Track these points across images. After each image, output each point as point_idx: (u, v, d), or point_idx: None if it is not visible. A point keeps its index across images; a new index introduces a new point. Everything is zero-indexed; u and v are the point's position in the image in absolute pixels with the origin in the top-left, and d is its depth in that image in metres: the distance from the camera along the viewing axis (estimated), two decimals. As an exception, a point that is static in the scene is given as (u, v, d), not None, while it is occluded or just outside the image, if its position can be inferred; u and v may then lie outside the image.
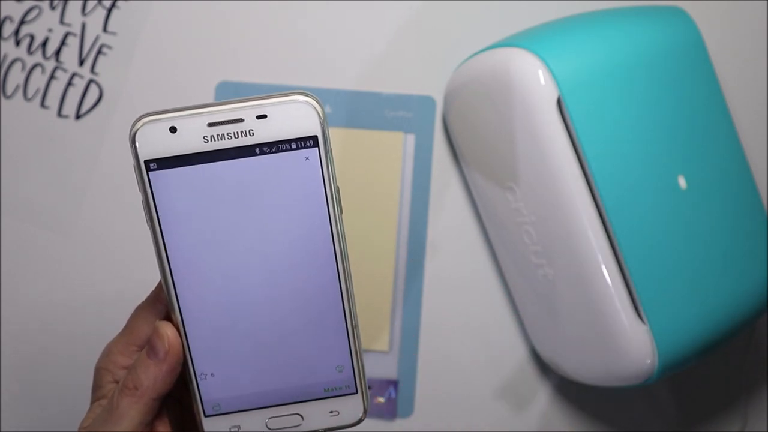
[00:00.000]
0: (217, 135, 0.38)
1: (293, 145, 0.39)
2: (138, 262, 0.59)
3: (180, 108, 0.38)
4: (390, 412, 0.61)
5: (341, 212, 0.40)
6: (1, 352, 0.60)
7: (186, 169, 0.38)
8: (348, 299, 0.41)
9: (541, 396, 0.62)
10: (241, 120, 0.38)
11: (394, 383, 0.61)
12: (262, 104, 0.38)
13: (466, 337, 0.61)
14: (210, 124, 0.38)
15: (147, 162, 0.38)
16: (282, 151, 0.39)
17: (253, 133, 0.38)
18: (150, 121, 0.38)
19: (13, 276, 0.60)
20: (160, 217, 0.39)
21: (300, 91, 0.39)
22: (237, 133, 0.38)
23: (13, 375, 0.60)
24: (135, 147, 0.38)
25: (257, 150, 0.38)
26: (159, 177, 0.38)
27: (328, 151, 0.39)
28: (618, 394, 0.62)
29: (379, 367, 0.60)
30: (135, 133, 0.38)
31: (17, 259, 0.60)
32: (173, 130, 0.38)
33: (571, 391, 0.62)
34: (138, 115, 0.38)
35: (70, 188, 0.60)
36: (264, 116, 0.38)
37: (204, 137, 0.38)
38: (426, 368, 0.61)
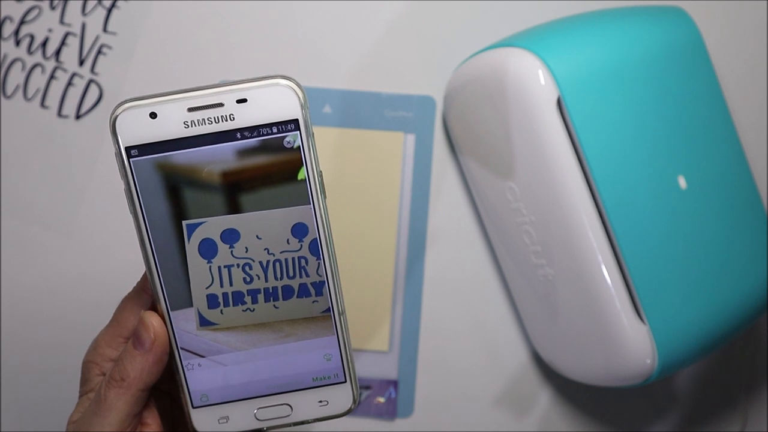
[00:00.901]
0: (198, 120, 0.38)
1: (274, 129, 0.38)
2: (138, 262, 0.59)
3: (160, 93, 0.38)
4: (390, 412, 0.61)
5: (325, 197, 0.40)
6: (0, 350, 0.60)
7: (167, 156, 0.38)
8: (334, 286, 0.40)
9: (541, 396, 0.62)
10: (221, 104, 0.38)
11: (394, 383, 0.61)
12: (241, 88, 0.38)
13: (466, 337, 0.61)
14: (190, 109, 0.38)
15: (128, 149, 0.38)
16: (263, 135, 0.38)
17: (233, 118, 0.38)
18: (130, 108, 0.38)
19: (13, 276, 0.60)
20: (142, 205, 0.39)
21: (280, 75, 0.38)
22: (217, 117, 0.38)
23: (13, 373, 0.60)
24: (116, 134, 0.38)
25: (238, 135, 0.38)
26: (140, 164, 0.38)
27: (309, 135, 0.39)
28: (618, 394, 0.62)
29: (379, 367, 0.60)
30: (115, 119, 0.38)
31: (17, 258, 0.60)
32: (153, 115, 0.38)
33: (571, 391, 0.62)
34: (119, 102, 0.38)
35: (70, 188, 0.60)
36: (244, 100, 0.38)
37: (184, 123, 0.38)
38: (426, 368, 0.61)
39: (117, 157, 0.38)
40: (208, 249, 0.40)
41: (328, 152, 0.60)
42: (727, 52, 0.61)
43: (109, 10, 0.60)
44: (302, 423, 0.41)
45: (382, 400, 0.61)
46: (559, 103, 0.51)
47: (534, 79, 0.51)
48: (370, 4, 0.60)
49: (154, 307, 0.41)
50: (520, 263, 0.57)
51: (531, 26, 0.57)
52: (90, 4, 0.60)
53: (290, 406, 0.41)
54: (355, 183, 0.60)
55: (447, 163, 0.61)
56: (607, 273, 0.52)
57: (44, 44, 0.60)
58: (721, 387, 0.64)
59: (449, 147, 0.61)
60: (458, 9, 0.60)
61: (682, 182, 0.54)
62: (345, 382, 0.41)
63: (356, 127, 0.60)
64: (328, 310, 0.41)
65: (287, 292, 0.41)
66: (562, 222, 0.52)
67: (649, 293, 0.52)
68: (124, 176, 0.38)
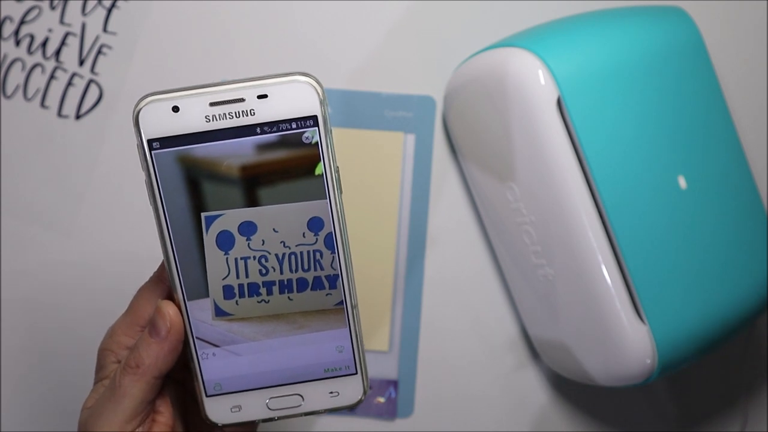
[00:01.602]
0: (219, 115, 0.39)
1: (294, 125, 0.39)
2: (138, 262, 0.59)
3: (182, 88, 0.39)
4: (390, 412, 0.61)
5: (341, 192, 0.40)
6: (1, 350, 0.60)
7: (188, 149, 0.39)
8: (348, 280, 0.41)
9: (541, 396, 0.62)
10: (242, 99, 0.39)
11: (394, 383, 0.61)
12: (263, 84, 0.39)
13: (466, 337, 0.61)
14: (212, 104, 0.38)
15: (150, 141, 0.39)
16: (282, 131, 0.39)
17: (254, 113, 0.39)
18: (153, 101, 0.38)
19: (13, 275, 0.60)
20: (162, 197, 0.39)
21: (301, 71, 0.39)
22: (238, 112, 0.39)
23: (14, 372, 0.60)
24: (138, 126, 0.38)
25: (258, 129, 0.39)
26: (162, 156, 0.39)
27: (327, 131, 0.39)
28: (618, 394, 0.62)
29: (379, 367, 0.60)
30: (138, 112, 0.38)
31: (17, 258, 0.60)
32: (176, 109, 0.38)
33: (570, 391, 0.62)
34: (142, 95, 0.39)
35: (70, 188, 0.60)
36: (265, 96, 0.39)
37: (206, 117, 0.38)
38: (426, 368, 0.61)
39: (139, 149, 0.39)
40: (225, 241, 0.40)
41: (328, 152, 0.60)
42: (727, 52, 0.61)
43: (109, 10, 0.60)
44: (313, 413, 0.42)
45: (382, 400, 0.61)
46: (559, 103, 0.51)
47: (534, 79, 0.51)
48: (371, 4, 0.60)
49: (170, 297, 0.41)
50: (520, 263, 0.57)
51: (531, 26, 0.57)
52: (90, 4, 0.60)
53: (301, 396, 0.42)
54: (355, 183, 0.60)
55: (447, 163, 0.61)
56: (607, 273, 0.52)
57: (44, 44, 0.60)
58: (721, 387, 0.64)
59: (449, 147, 0.61)
60: (458, 9, 0.61)
61: (682, 182, 0.54)
62: (356, 373, 0.42)
63: (356, 127, 0.60)
64: (341, 303, 0.41)
65: (302, 284, 0.41)
66: (562, 222, 0.52)
67: (649, 293, 0.52)
68: (146, 168, 0.39)
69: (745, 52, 0.63)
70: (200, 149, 0.39)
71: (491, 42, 0.56)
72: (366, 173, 0.60)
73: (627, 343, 0.52)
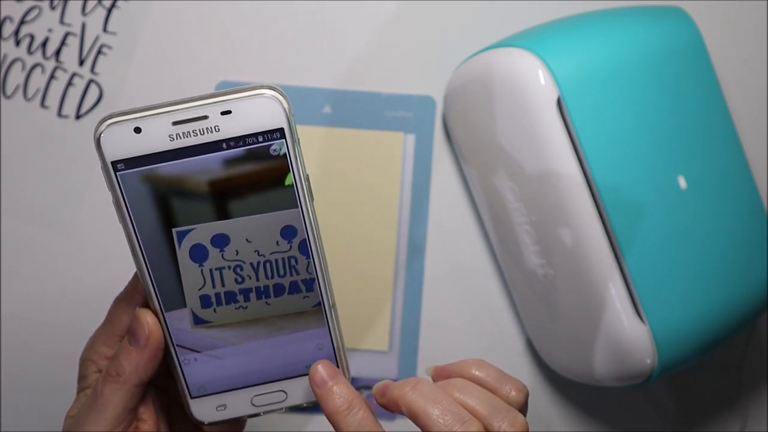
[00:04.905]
0: (183, 133, 0.38)
1: (260, 139, 0.39)
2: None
3: (144, 107, 0.38)
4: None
5: (312, 199, 0.40)
6: (1, 350, 0.60)
7: (154, 167, 0.39)
8: (324, 282, 0.41)
9: (541, 396, 0.62)
10: (205, 117, 0.38)
11: (394, 383, 0.61)
12: (225, 100, 0.38)
13: (466, 337, 0.61)
14: (175, 123, 0.38)
15: (114, 163, 0.38)
16: (249, 145, 0.39)
17: (218, 129, 0.38)
18: (113, 123, 0.38)
19: (13, 276, 0.60)
20: (131, 215, 0.39)
21: (265, 84, 0.39)
22: (202, 129, 0.38)
23: (13, 373, 0.60)
24: (100, 149, 0.38)
25: (224, 145, 0.38)
26: (128, 177, 0.39)
27: (295, 141, 0.39)
28: (618, 394, 0.62)
29: (379, 367, 0.60)
30: (99, 136, 0.38)
31: (17, 258, 0.60)
32: (138, 130, 0.38)
33: (571, 391, 0.62)
34: (102, 117, 0.38)
35: (70, 188, 0.60)
36: (228, 112, 0.38)
37: (170, 135, 0.38)
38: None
39: (103, 171, 0.39)
40: (198, 254, 0.40)
41: (327, 152, 0.60)
42: (727, 52, 0.61)
43: (109, 10, 0.60)
44: (297, 407, 0.43)
45: (382, 400, 0.61)
46: (559, 103, 0.51)
47: (534, 79, 0.51)
48: (370, 3, 0.60)
49: (146, 305, 0.41)
50: (520, 263, 0.57)
51: (531, 26, 0.57)
52: (90, 4, 0.60)
53: (285, 392, 0.42)
54: (356, 183, 0.60)
55: (447, 163, 0.61)
56: (607, 273, 0.52)
57: (44, 44, 0.60)
58: (721, 387, 0.64)
59: (449, 147, 0.61)
60: (458, 9, 0.61)
61: (682, 182, 0.54)
62: (337, 367, 0.42)
63: (356, 127, 0.60)
64: (319, 304, 0.42)
65: (278, 289, 0.41)
66: (562, 222, 0.52)
67: (649, 293, 0.52)
68: (112, 189, 0.39)
69: (745, 52, 0.63)
70: (166, 167, 0.38)
71: (491, 42, 0.56)
72: (366, 173, 0.60)
73: (627, 343, 0.52)
